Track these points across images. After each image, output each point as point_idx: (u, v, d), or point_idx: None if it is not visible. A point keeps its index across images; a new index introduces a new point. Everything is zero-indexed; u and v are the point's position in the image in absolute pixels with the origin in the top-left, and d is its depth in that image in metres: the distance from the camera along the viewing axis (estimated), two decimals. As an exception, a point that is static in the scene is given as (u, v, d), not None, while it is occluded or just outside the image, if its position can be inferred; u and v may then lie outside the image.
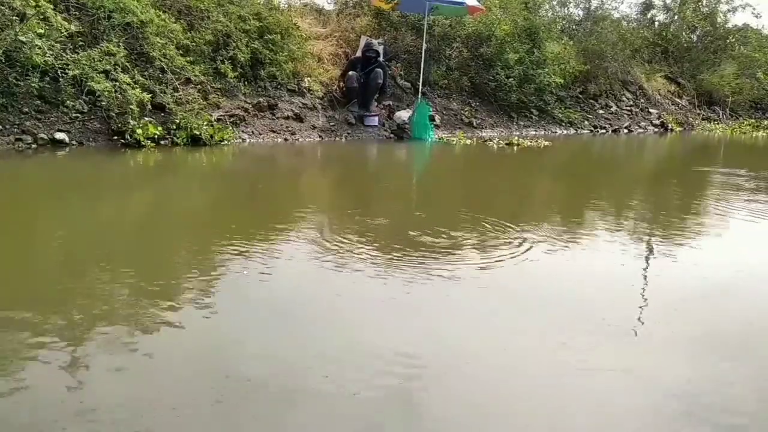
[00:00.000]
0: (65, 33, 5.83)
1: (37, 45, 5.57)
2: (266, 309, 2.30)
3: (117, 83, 6.03)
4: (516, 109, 10.71)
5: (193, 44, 7.12)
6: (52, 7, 5.81)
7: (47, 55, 5.70)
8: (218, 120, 7.01)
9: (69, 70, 5.86)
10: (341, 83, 8.71)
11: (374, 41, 9.06)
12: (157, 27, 6.62)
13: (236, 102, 7.53)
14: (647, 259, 3.15)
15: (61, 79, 5.92)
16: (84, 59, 5.95)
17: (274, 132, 7.66)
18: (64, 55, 5.90)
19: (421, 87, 9.25)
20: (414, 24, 10.10)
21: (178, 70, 6.72)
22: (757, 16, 20.35)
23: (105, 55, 6.11)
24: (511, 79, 10.39)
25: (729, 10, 15.00)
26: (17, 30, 5.51)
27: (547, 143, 8.78)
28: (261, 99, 7.79)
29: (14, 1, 5.59)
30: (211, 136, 6.67)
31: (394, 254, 2.97)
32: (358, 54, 8.99)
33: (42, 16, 5.72)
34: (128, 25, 6.51)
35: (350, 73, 8.51)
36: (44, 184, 4.74)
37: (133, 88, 6.08)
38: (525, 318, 2.28)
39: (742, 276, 2.90)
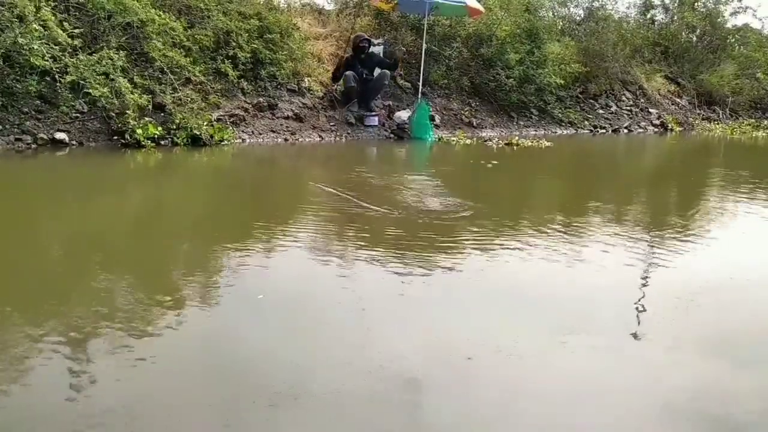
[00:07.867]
0: (64, 42, 5.78)
1: (34, 47, 5.54)
2: (267, 310, 2.30)
3: (116, 85, 5.99)
4: (516, 109, 10.69)
5: (194, 41, 7.08)
6: (52, 18, 5.74)
7: (45, 57, 5.67)
8: (218, 120, 7.00)
9: (68, 74, 5.81)
10: (334, 85, 8.61)
11: (363, 34, 8.98)
12: (158, 26, 6.60)
13: (236, 102, 7.52)
14: (650, 259, 3.14)
15: (58, 84, 5.89)
16: (83, 64, 5.91)
17: (274, 132, 7.65)
18: (63, 58, 5.86)
19: (421, 87, 9.23)
20: (414, 24, 10.07)
21: (178, 70, 6.70)
22: (760, 19, 20.24)
23: (104, 57, 6.07)
24: (511, 80, 10.37)
25: (732, 14, 14.99)
26: (17, 32, 5.48)
27: (548, 144, 8.76)
28: (261, 99, 7.78)
29: (15, 3, 5.57)
30: (211, 136, 6.66)
31: (396, 254, 2.97)
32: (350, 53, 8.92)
33: (41, 22, 5.69)
34: (128, 25, 6.49)
35: (347, 73, 8.44)
36: (44, 185, 4.73)
37: (131, 92, 6.04)
38: (526, 319, 2.28)
39: (747, 276, 2.89)
